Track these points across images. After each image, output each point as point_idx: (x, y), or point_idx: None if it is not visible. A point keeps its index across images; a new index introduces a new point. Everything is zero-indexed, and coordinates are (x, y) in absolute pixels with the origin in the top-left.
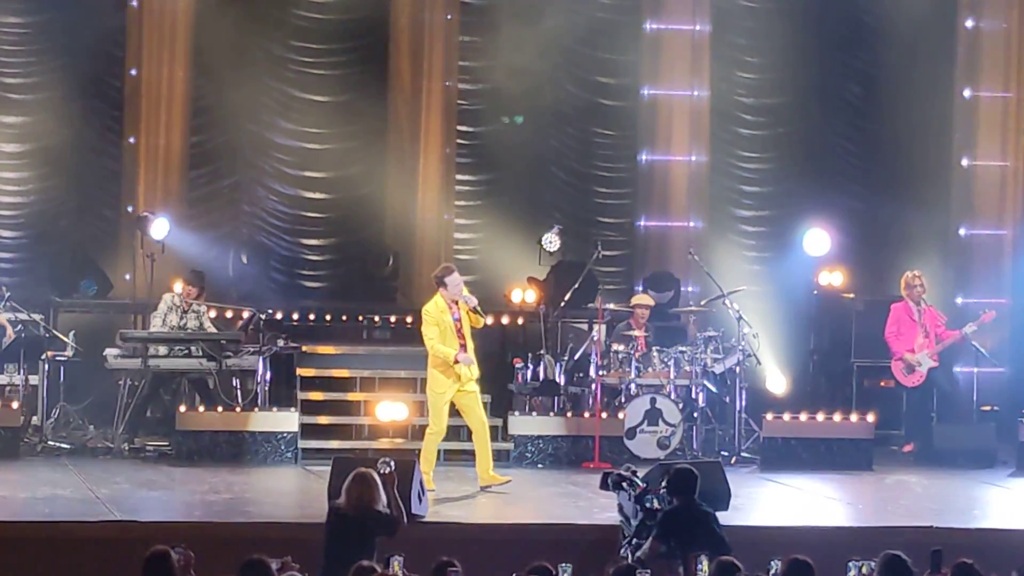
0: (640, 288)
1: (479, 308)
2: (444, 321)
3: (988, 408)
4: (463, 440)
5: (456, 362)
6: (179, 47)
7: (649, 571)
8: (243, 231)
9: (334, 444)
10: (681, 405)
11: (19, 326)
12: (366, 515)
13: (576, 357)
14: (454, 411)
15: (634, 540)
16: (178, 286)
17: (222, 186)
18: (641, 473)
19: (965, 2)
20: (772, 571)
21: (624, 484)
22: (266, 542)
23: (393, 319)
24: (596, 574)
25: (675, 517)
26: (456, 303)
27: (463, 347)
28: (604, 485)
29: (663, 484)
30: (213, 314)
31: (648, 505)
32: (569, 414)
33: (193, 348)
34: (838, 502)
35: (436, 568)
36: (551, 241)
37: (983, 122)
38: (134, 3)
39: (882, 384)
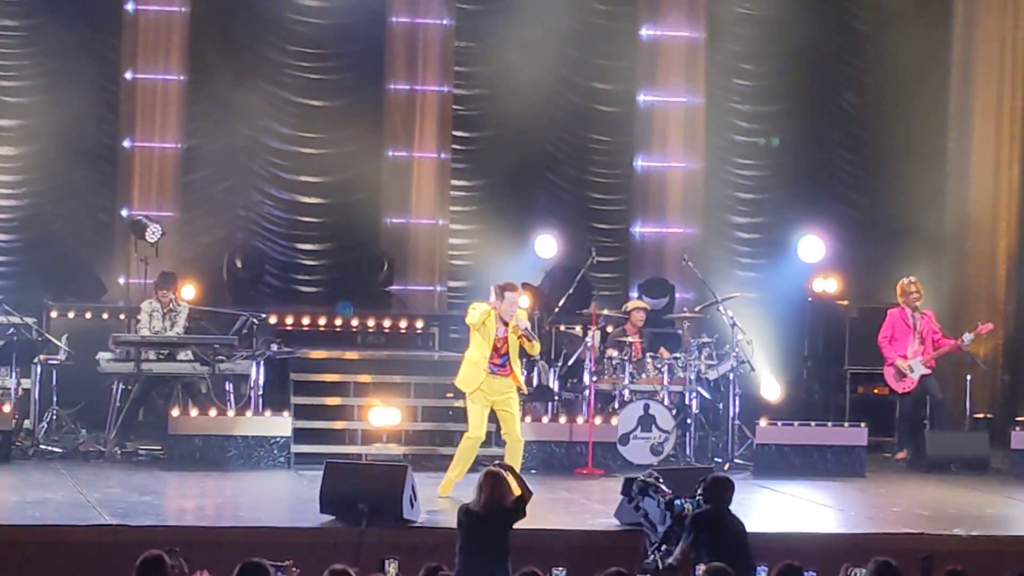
0: (635, 295)
1: (530, 332)
2: (487, 327)
3: (981, 416)
4: (456, 446)
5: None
6: (174, 51)
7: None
8: (238, 235)
9: (327, 449)
10: (674, 411)
11: (11, 329)
12: (498, 512)
13: (570, 363)
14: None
15: (663, 546)
16: (178, 293)
17: (217, 190)
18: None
19: (959, 10)
20: None
21: (650, 491)
22: (258, 547)
23: (387, 324)
24: None
25: (707, 521)
26: (507, 325)
27: (497, 364)
28: (627, 491)
29: (699, 491)
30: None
31: (679, 511)
32: (562, 420)
33: (187, 352)
34: (831, 509)
35: (426, 573)
36: (546, 246)
37: (978, 130)
38: (129, 7)
39: (875, 391)
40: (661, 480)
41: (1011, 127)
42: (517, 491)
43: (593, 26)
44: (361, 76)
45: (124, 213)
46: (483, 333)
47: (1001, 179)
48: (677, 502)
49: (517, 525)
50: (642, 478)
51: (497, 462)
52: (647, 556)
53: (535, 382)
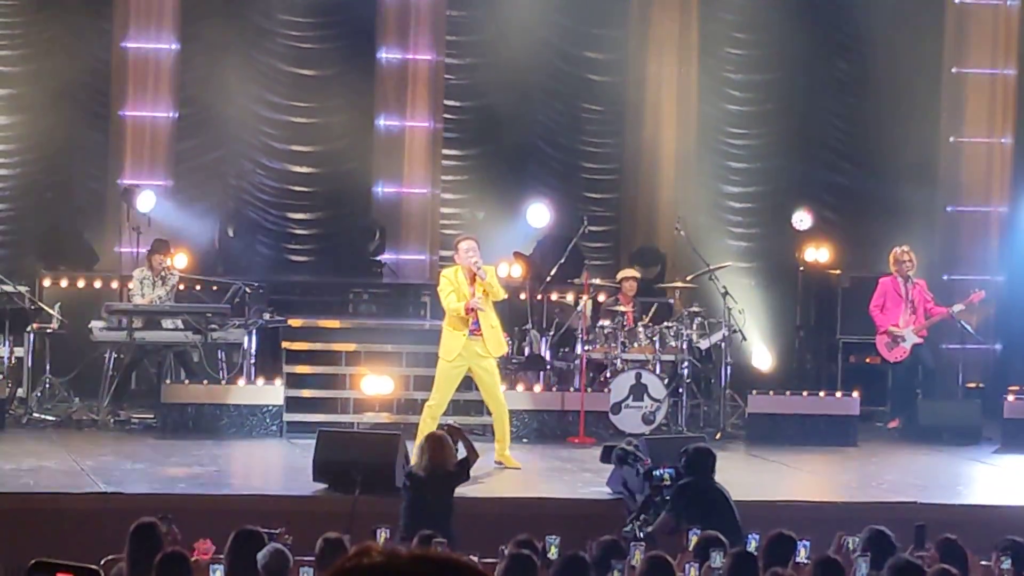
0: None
1: (480, 270)
2: (461, 290)
3: (973, 385)
4: (450, 414)
5: (469, 310)
6: (166, 20)
7: (644, 544)
8: (230, 204)
9: (319, 418)
10: (666, 380)
11: (4, 297)
12: (441, 475)
13: (562, 332)
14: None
15: (641, 516)
16: (172, 260)
17: (209, 159)
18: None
19: None
20: (751, 545)
21: (629, 459)
22: (251, 515)
23: (379, 293)
24: (580, 548)
25: (689, 492)
26: (475, 279)
27: (476, 322)
28: (606, 459)
29: (682, 462)
30: (182, 286)
31: (657, 481)
32: (554, 389)
33: (174, 321)
34: (823, 478)
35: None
36: (538, 216)
37: (971, 99)
38: None
39: (868, 360)
40: (640, 449)
41: (1004, 95)
42: (466, 453)
43: None
44: (353, 45)
45: (118, 183)
46: (458, 296)
47: (994, 148)
48: (656, 472)
49: (506, 493)
50: (621, 447)
51: (445, 425)
52: (625, 525)
53: (527, 351)
